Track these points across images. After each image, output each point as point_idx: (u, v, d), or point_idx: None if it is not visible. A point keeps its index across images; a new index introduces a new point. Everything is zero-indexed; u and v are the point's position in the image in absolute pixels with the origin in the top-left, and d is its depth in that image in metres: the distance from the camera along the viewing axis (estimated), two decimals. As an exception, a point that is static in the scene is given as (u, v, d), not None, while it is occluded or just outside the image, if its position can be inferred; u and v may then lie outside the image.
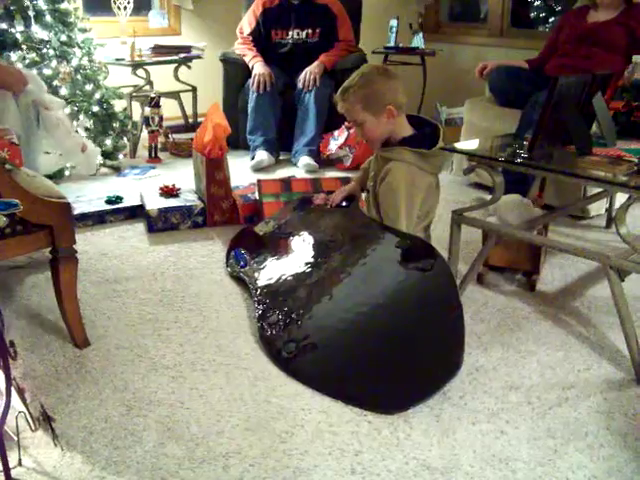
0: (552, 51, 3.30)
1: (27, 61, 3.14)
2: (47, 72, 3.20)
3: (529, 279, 2.30)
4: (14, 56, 3.10)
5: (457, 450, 1.48)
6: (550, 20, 4.88)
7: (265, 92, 3.77)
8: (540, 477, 1.40)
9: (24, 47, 3.15)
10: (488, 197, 2.19)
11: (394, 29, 4.52)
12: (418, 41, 4.53)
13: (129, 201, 2.95)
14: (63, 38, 3.30)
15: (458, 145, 2.35)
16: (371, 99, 2.11)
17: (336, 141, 3.77)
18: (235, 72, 4.00)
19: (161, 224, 2.77)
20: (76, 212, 2.70)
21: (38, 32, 3.19)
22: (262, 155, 3.72)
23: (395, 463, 1.44)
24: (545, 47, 3.39)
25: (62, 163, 2.62)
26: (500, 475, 1.41)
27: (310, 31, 3.93)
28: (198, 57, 4.26)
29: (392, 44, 4.53)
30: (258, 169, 3.68)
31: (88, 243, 2.61)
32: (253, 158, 3.77)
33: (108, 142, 3.55)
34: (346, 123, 3.62)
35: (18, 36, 3.13)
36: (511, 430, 1.55)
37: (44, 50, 3.22)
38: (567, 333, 2.00)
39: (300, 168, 3.71)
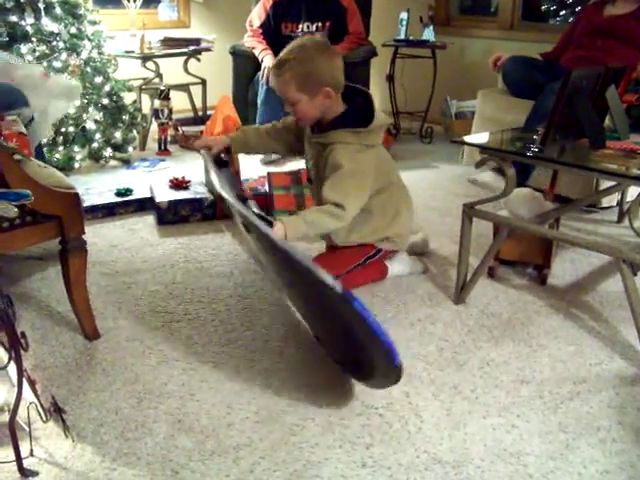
0: (567, 45, 3.28)
1: (37, 53, 3.15)
2: (57, 65, 3.21)
3: (540, 273, 2.29)
4: (24, 49, 3.10)
5: (468, 444, 1.47)
6: (561, 13, 4.84)
7: (275, 85, 3.75)
8: (552, 471, 1.40)
9: (34, 40, 3.15)
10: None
11: (404, 22, 4.48)
12: (428, 34, 4.49)
13: (139, 193, 2.96)
14: (73, 30, 3.30)
15: (468, 138, 2.32)
16: (308, 79, 1.90)
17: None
18: (245, 65, 4.00)
19: (171, 216, 2.76)
20: (86, 204, 2.71)
21: (48, 24, 3.19)
22: (272, 148, 3.71)
23: (406, 457, 1.43)
24: (560, 41, 3.37)
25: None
26: (511, 469, 1.40)
27: (320, 24, 3.90)
28: (208, 50, 4.26)
29: (402, 37, 4.49)
30: (268, 162, 3.67)
31: (98, 235, 2.61)
32: (263, 151, 3.75)
33: (118, 135, 3.56)
34: None
35: (28, 29, 3.13)
36: (522, 424, 1.54)
37: (54, 43, 3.22)
38: (579, 327, 1.99)
39: None
